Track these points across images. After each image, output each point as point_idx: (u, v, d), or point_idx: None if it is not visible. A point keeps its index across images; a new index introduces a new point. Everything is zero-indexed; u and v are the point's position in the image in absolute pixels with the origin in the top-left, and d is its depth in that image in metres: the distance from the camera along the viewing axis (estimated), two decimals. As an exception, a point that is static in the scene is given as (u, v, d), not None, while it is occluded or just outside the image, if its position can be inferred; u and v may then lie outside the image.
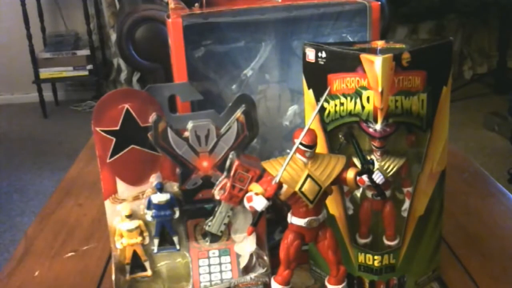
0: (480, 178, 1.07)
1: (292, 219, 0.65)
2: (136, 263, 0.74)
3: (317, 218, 0.65)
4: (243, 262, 0.74)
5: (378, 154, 0.67)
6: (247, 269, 0.74)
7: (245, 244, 0.74)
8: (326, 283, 0.68)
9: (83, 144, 1.29)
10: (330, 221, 0.69)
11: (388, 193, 0.68)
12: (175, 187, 0.72)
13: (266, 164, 0.64)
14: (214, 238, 0.74)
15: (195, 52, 0.74)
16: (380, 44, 0.68)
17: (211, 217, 0.73)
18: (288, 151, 0.68)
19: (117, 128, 0.69)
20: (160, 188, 0.72)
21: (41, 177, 2.68)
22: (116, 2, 3.50)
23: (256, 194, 0.62)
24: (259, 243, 0.74)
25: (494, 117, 2.93)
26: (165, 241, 0.74)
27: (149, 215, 0.72)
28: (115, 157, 0.70)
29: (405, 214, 0.69)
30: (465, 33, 3.70)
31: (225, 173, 0.72)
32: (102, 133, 0.69)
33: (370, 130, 0.64)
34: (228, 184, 0.70)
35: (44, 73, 3.48)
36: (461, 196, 0.98)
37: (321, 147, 0.68)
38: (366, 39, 0.77)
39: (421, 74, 0.64)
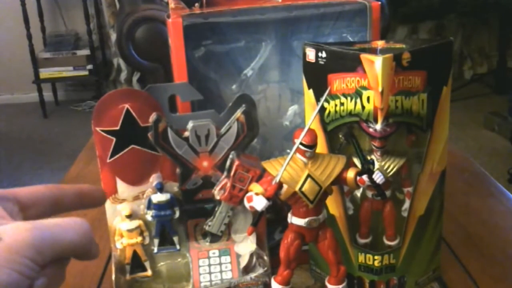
0: (480, 178, 1.07)
1: (292, 219, 0.65)
2: (136, 263, 0.74)
3: (317, 218, 0.65)
4: (243, 262, 0.74)
5: (378, 154, 0.67)
6: (247, 269, 0.74)
7: (245, 244, 0.74)
8: (326, 283, 0.68)
9: (83, 144, 1.29)
10: (330, 221, 0.69)
11: (388, 193, 0.68)
12: (175, 187, 0.72)
13: (266, 164, 0.64)
14: (214, 238, 0.74)
15: (195, 52, 0.74)
16: (380, 44, 0.68)
17: (211, 217, 0.73)
18: (288, 151, 0.68)
19: (117, 128, 0.69)
20: (160, 188, 0.71)
21: (41, 177, 2.69)
22: (116, 2, 3.51)
23: (256, 194, 0.62)
24: (259, 243, 0.74)
25: (494, 117, 2.93)
26: (165, 241, 0.74)
27: (149, 215, 0.72)
28: (115, 157, 0.70)
29: (405, 214, 0.69)
30: (465, 33, 3.71)
31: (225, 173, 0.72)
32: (102, 133, 0.69)
33: (370, 130, 0.64)
34: (228, 184, 0.70)
35: (44, 73, 3.48)
36: (461, 196, 0.98)
37: (321, 147, 0.68)
38: (366, 39, 0.77)
39: (421, 74, 0.64)
